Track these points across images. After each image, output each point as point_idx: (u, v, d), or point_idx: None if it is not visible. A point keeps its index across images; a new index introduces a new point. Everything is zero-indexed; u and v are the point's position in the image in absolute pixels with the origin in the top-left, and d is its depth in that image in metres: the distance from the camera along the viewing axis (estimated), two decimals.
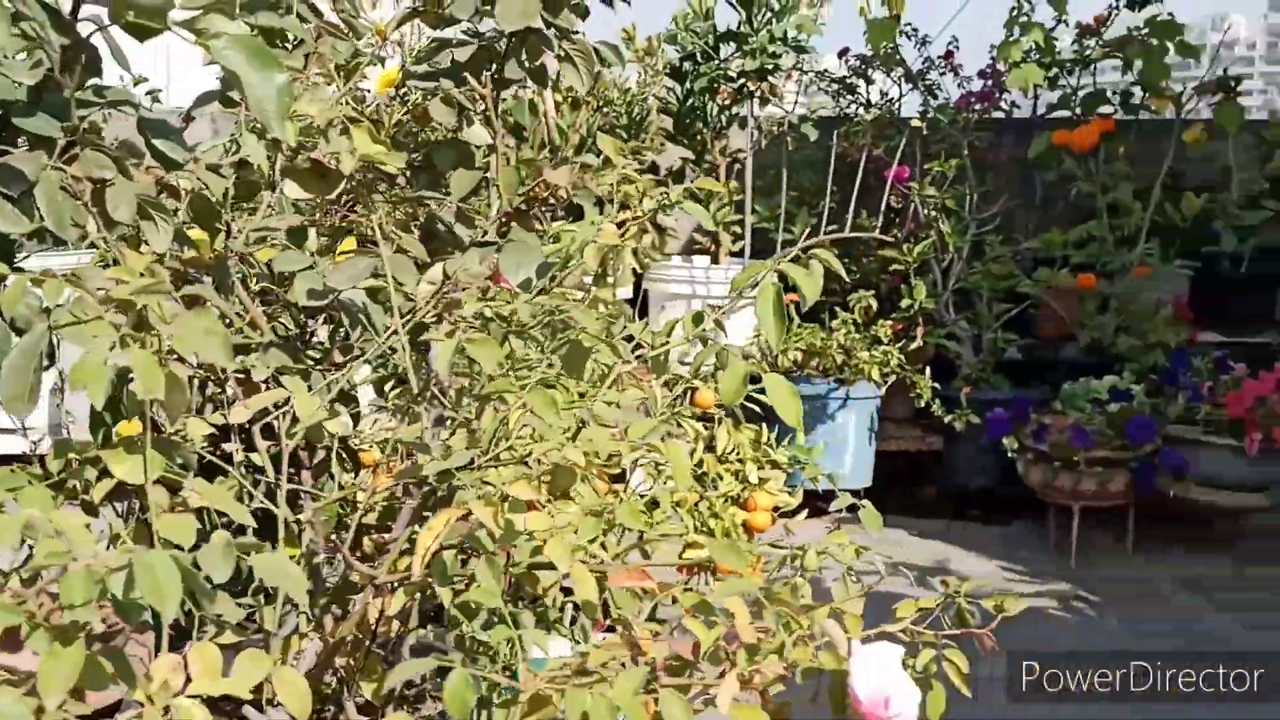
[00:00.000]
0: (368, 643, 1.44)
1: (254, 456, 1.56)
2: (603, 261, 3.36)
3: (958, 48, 5.01)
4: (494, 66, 2.00)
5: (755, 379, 1.57)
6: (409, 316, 1.50)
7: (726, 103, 4.44)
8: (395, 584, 1.33)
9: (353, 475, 2.26)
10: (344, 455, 1.97)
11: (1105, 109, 4.94)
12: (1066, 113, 4.99)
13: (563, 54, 2.04)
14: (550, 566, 1.29)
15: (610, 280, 4.04)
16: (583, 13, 2.95)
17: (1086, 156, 4.80)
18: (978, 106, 4.80)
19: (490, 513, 1.12)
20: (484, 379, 1.45)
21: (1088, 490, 4.00)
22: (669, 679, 0.96)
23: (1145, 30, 4.77)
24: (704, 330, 1.71)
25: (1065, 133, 4.80)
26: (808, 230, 4.72)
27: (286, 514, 1.42)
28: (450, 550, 1.24)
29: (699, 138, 4.55)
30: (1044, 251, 4.84)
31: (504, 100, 2.11)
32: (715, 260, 4.73)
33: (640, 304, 4.71)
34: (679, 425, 2.90)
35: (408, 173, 1.99)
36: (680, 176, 4.61)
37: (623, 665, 0.97)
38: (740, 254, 4.64)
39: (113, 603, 0.98)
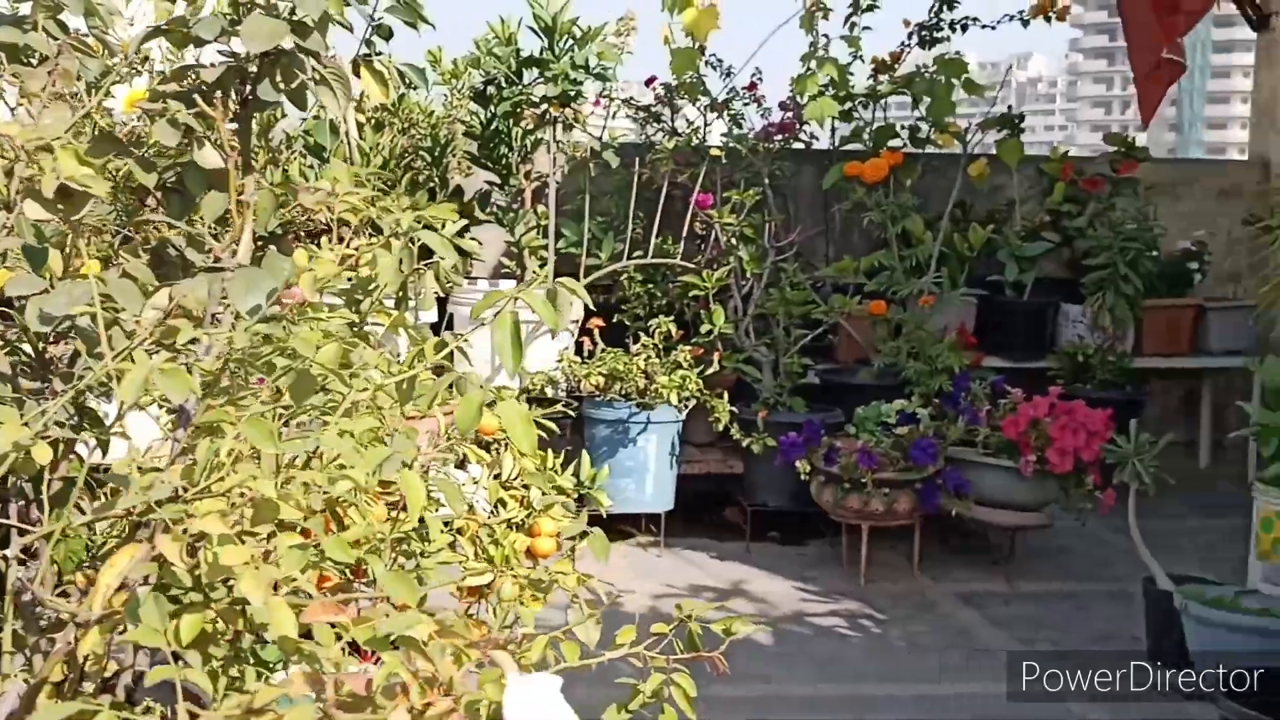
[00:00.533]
0: (79, 683, 1.38)
1: None
2: (403, 285, 3.31)
3: (761, 79, 5.13)
4: (246, 88, 1.95)
5: (551, 403, 1.57)
6: (128, 344, 1.44)
7: (530, 127, 4.45)
8: (93, 621, 1.28)
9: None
10: (93, 487, 1.88)
11: (895, 142, 5.13)
12: (860, 145, 5.17)
13: (317, 77, 2.00)
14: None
15: (412, 304, 3.99)
16: (386, 34, 2.91)
17: (877, 187, 4.97)
18: (778, 137, 4.93)
19: (176, 547, 1.09)
20: (202, 408, 1.41)
21: (876, 510, 4.12)
22: (343, 716, 0.94)
23: (933, 68, 4.98)
24: (444, 356, 1.70)
25: (857, 164, 4.97)
26: (614, 255, 4.76)
27: None
28: (149, 588, 1.20)
29: (504, 162, 4.55)
30: (840, 279, 4.98)
31: (306, 120, 2.06)
32: (520, 281, 4.72)
33: (446, 328, 4.66)
34: (458, 453, 2.88)
35: (158, 195, 1.94)
36: (486, 200, 4.60)
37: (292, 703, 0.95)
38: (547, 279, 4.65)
39: None
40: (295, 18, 1.85)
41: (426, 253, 4.06)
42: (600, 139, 4.74)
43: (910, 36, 5.21)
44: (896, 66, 5.19)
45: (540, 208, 4.68)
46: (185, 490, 1.27)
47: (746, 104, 5.05)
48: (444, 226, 1.71)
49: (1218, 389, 5.90)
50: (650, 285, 4.69)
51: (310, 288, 1.49)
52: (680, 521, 4.58)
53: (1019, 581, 4.27)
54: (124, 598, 1.33)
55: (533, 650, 1.45)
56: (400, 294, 3.52)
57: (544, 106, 4.32)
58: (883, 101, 5.15)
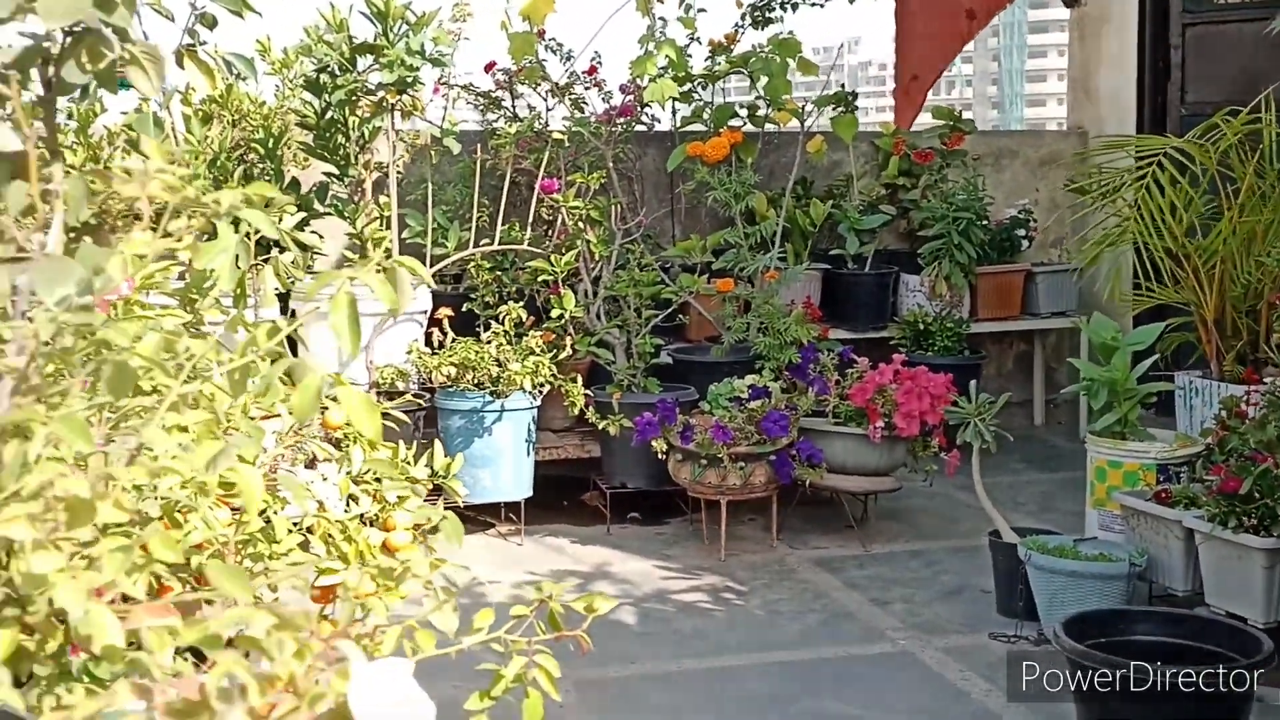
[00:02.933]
0: None
1: None
2: (240, 280, 3.16)
3: (601, 63, 5.10)
4: (49, 69, 1.83)
5: (401, 395, 1.50)
6: None
7: (367, 116, 4.33)
8: None
9: None
10: None
11: (735, 122, 5.17)
12: (701, 126, 5.19)
13: (127, 56, 1.89)
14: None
15: (251, 300, 3.84)
16: (211, 23, 2.77)
17: (719, 166, 5.00)
18: (620, 120, 4.91)
19: None
20: (12, 405, 1.31)
21: (733, 485, 4.15)
22: None
23: (769, 48, 5.03)
24: (277, 343, 1.63)
25: (699, 144, 4.99)
26: (461, 243, 4.68)
27: None
28: None
29: (342, 152, 4.42)
30: (688, 258, 5.00)
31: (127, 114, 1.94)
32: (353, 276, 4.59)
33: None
34: (304, 450, 2.78)
35: None
36: (325, 192, 4.46)
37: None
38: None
39: None
40: None
41: (266, 248, 3.93)
42: (440, 126, 4.65)
43: (744, 17, 5.25)
44: (732, 47, 5.22)
45: (382, 198, 4.57)
46: None
47: (587, 88, 5.02)
48: (280, 219, 1.63)
49: (1047, 349, 6.13)
50: (499, 273, 4.63)
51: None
52: (540, 509, 4.54)
53: (872, 544, 4.36)
54: None
55: (386, 641, 1.40)
56: (239, 291, 3.38)
57: (380, 94, 4.21)
58: (721, 82, 5.18)
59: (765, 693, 3.19)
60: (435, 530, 2.91)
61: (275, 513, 2.50)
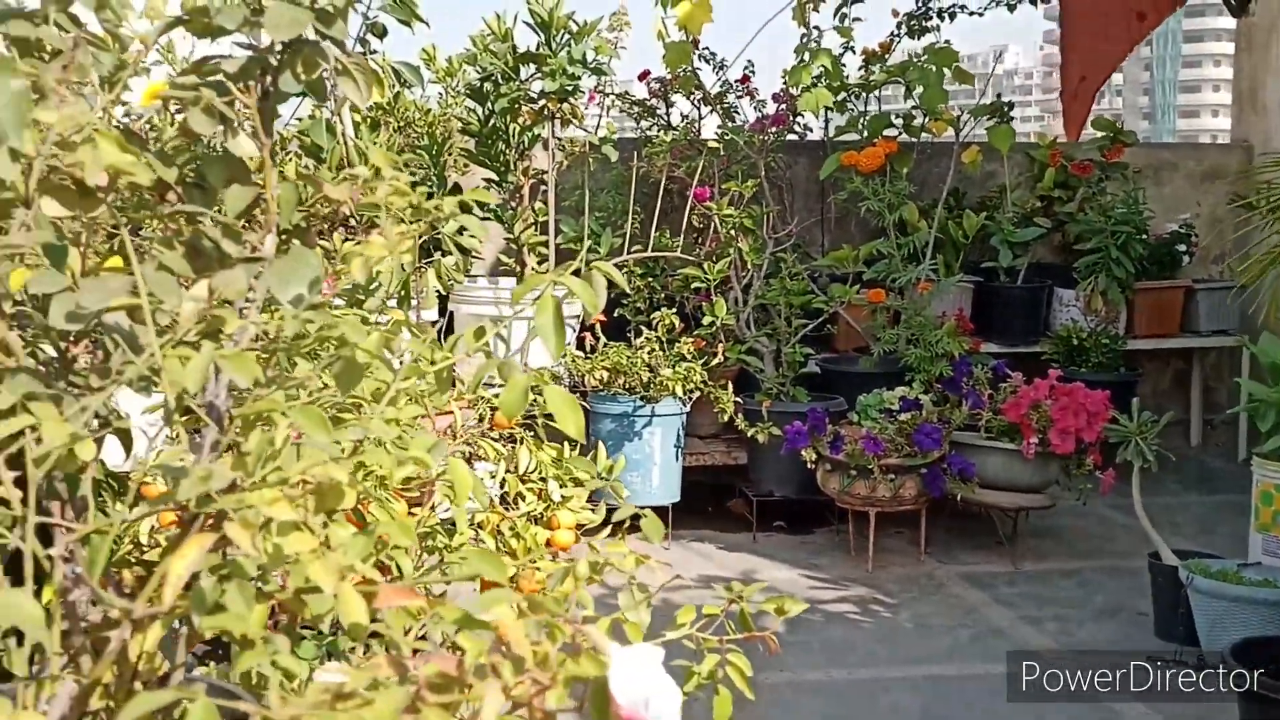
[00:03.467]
0: (130, 682, 1.36)
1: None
2: (405, 283, 3.29)
3: (754, 72, 5.14)
4: (267, 79, 1.94)
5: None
6: (170, 336, 1.43)
7: (528, 124, 4.44)
8: (150, 617, 1.26)
9: (130, 507, 2.14)
10: (114, 486, 1.87)
11: (890, 131, 5.15)
12: (855, 135, 5.18)
13: (340, 67, 1.99)
14: (317, 590, 1.25)
15: (414, 302, 3.99)
16: (380, 32, 2.89)
17: (873, 176, 4.98)
18: (772, 129, 4.93)
19: (247, 535, 1.08)
20: (251, 398, 1.40)
21: (882, 497, 4.13)
22: (434, 697, 0.93)
23: (924, 57, 4.99)
24: (485, 345, 1.70)
25: (853, 154, 4.98)
26: (613, 249, 4.76)
27: (36, 549, 1.33)
28: (214, 578, 1.19)
29: (502, 158, 4.53)
30: (838, 268, 4.99)
31: (302, 120, 2.06)
32: (520, 281, 4.71)
33: (447, 326, 4.65)
34: (479, 446, 2.87)
35: (179, 189, 1.91)
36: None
37: (386, 687, 0.94)
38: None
39: None
40: (318, 6, 1.84)
41: (425, 252, 4.05)
42: (598, 134, 4.73)
43: (899, 26, 5.22)
44: (887, 56, 5.20)
45: (538, 204, 4.67)
46: (241, 481, 1.26)
47: (740, 96, 5.05)
48: (447, 222, 1.69)
49: (1206, 368, 5.94)
50: (650, 279, 4.69)
51: (361, 270, 1.48)
52: (686, 514, 4.58)
53: (1023, 561, 4.29)
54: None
55: (565, 629, 1.44)
56: (403, 292, 3.50)
57: (542, 102, 4.31)
58: (876, 91, 5.16)
59: (916, 707, 3.18)
60: (602, 527, 2.98)
61: (455, 507, 2.59)
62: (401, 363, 1.57)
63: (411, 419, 1.57)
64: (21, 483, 1.44)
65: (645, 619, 1.55)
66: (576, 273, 1.72)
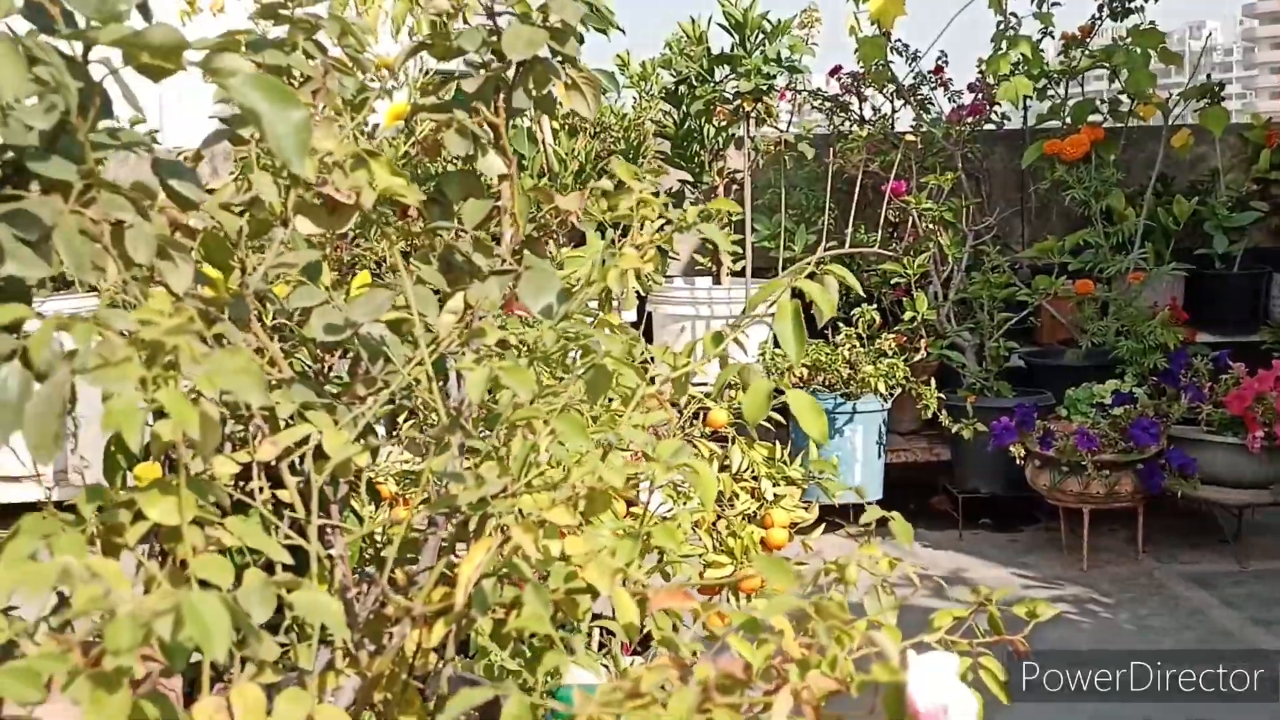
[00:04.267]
0: (405, 676, 1.44)
1: (279, 494, 1.56)
2: (606, 286, 3.33)
3: (947, 62, 5.04)
4: (501, 96, 2.01)
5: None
6: (433, 347, 1.50)
7: (723, 124, 4.46)
8: (432, 615, 1.33)
9: (372, 509, 2.25)
10: (362, 489, 1.97)
11: (1094, 117, 4.97)
12: (1056, 122, 5.02)
13: (569, 81, 2.05)
14: (586, 591, 1.29)
15: (615, 304, 4.05)
16: (578, 40, 2.94)
17: (1078, 164, 4.82)
18: (969, 120, 4.83)
19: (530, 538, 1.12)
20: (509, 406, 1.45)
21: (1097, 493, 4.00)
22: (721, 698, 0.95)
23: (1128, 39, 4.81)
24: (724, 350, 1.72)
25: (1056, 142, 4.83)
26: (808, 247, 4.74)
27: (319, 550, 1.42)
28: (488, 579, 1.24)
29: (696, 159, 4.57)
30: (1041, 259, 4.86)
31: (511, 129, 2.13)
32: (717, 280, 4.74)
33: (645, 326, 4.72)
34: (693, 446, 2.90)
35: (418, 205, 2.00)
36: (679, 199, 4.63)
37: (673, 687, 0.97)
38: (740, 274, 4.65)
39: (159, 646, 0.98)
40: (550, 24, 1.89)
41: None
42: (791, 131, 4.72)
43: (1101, 9, 5.04)
44: (1087, 40, 5.02)
45: (732, 203, 4.69)
46: (510, 485, 1.31)
47: (933, 88, 4.97)
48: (642, 226, 1.72)
49: None
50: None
51: (617, 281, 1.52)
52: (887, 511, 4.52)
53: (1250, 561, 4.09)
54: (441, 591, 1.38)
55: (852, 635, 1.45)
56: (605, 294, 3.56)
57: (737, 102, 4.33)
58: (1078, 77, 5.00)
59: (1142, 710, 3.07)
60: (815, 526, 2.99)
61: (681, 505, 2.63)
62: (645, 368, 1.61)
63: (656, 423, 1.60)
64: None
65: (891, 621, 1.55)
66: (812, 275, 1.73)
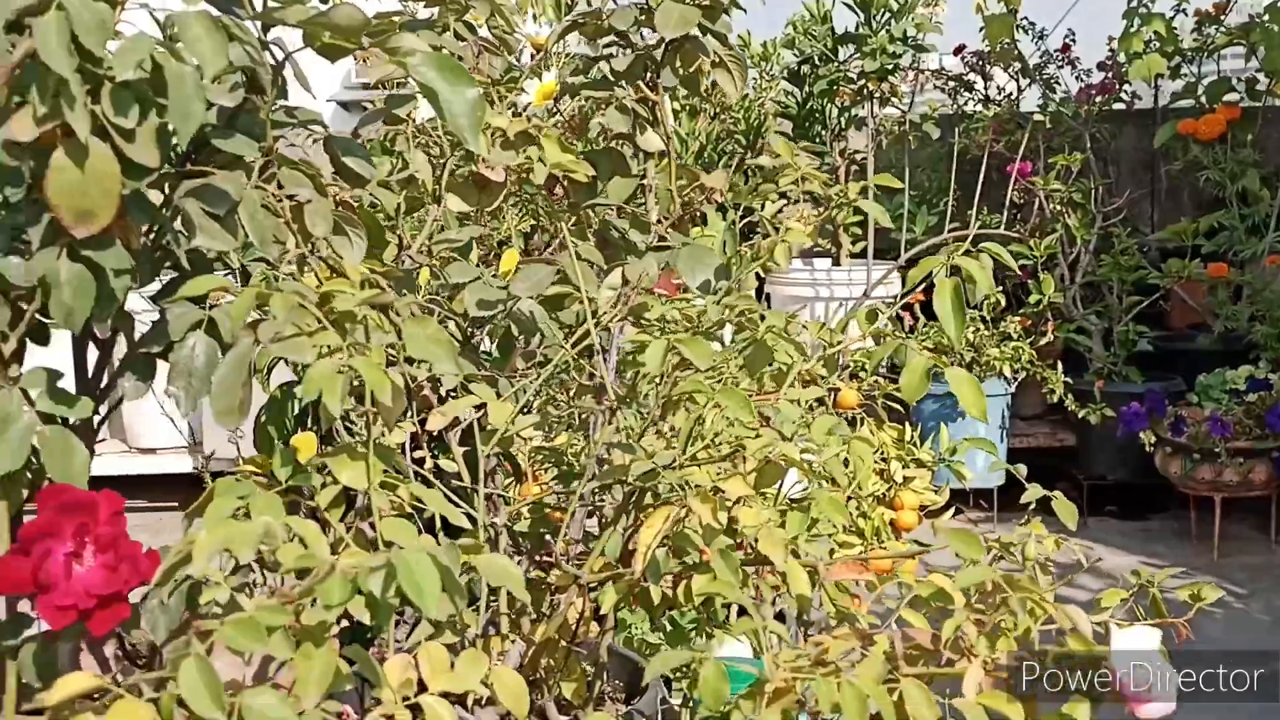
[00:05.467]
0: (566, 643, 1.47)
1: (441, 464, 1.61)
2: (728, 266, 3.34)
3: (1074, 40, 4.93)
4: (649, 74, 2.03)
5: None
6: (596, 320, 1.52)
7: (846, 104, 4.43)
8: (598, 583, 1.36)
9: (513, 480, 2.29)
10: (506, 461, 2.01)
11: (1231, 96, 4.82)
12: (1190, 102, 4.88)
13: (717, 59, 2.06)
14: (753, 561, 1.31)
15: (737, 284, 4.03)
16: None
17: (1212, 145, 4.68)
18: (1098, 99, 4.72)
19: (709, 508, 1.14)
20: (668, 381, 1.47)
21: (1230, 481, 3.91)
22: (910, 669, 0.96)
23: (1266, 16, 4.65)
24: (878, 327, 1.72)
25: (1191, 122, 4.69)
26: (929, 229, 4.68)
27: (486, 519, 1.46)
28: (661, 549, 1.27)
29: (818, 140, 4.54)
30: (1170, 242, 4.73)
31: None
32: (836, 262, 4.71)
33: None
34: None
35: (565, 182, 2.03)
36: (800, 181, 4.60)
37: (859, 657, 0.98)
38: (860, 255, 4.62)
39: (367, 602, 1.02)
40: (703, 2, 1.90)
41: (744, 235, 4.09)
42: (913, 112, 4.66)
43: None
44: (1222, 17, 4.87)
45: (852, 184, 4.65)
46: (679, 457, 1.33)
47: (1060, 67, 4.86)
48: (763, 206, 1.72)
49: None
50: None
51: (784, 255, 1.54)
52: (1010, 497, 4.46)
53: None
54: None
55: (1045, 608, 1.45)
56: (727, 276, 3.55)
57: (861, 82, 4.29)
58: (1213, 55, 4.85)
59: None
60: (944, 509, 2.97)
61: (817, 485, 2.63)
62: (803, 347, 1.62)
63: (812, 400, 1.61)
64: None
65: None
66: (968, 253, 1.72)
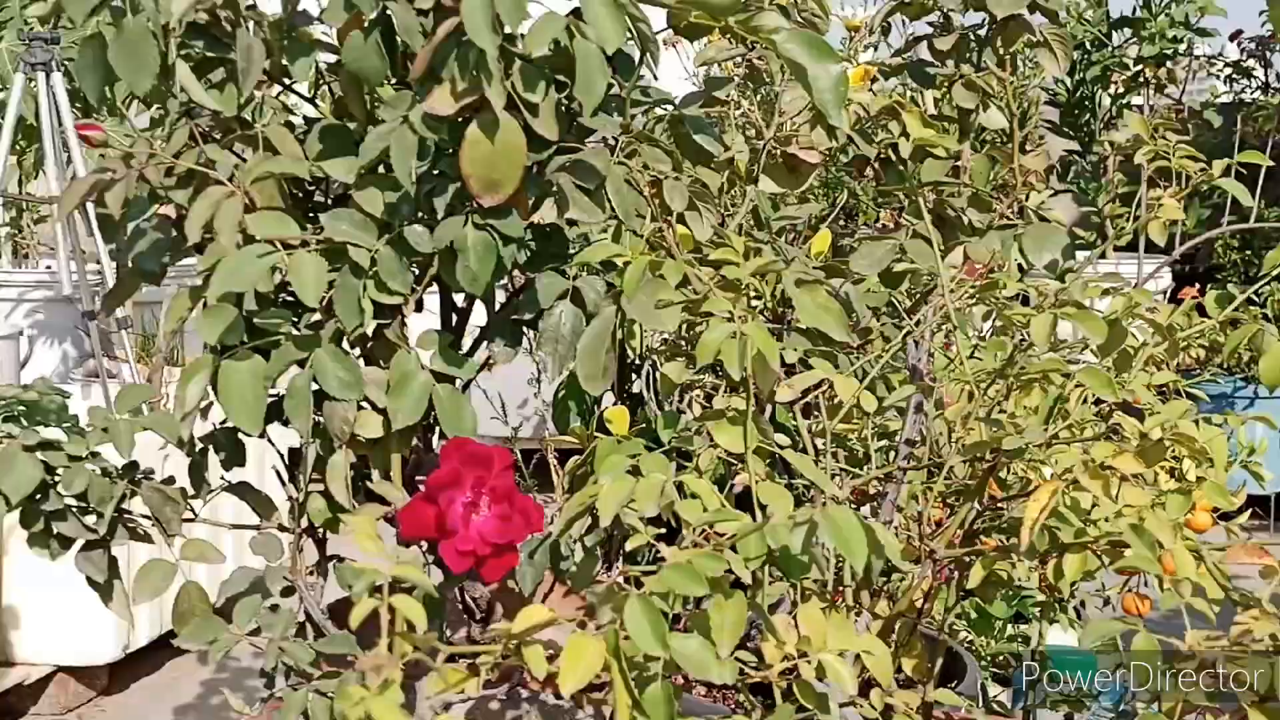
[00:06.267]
0: (918, 619, 1.47)
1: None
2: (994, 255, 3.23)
3: None
4: (971, 54, 2.01)
5: None
6: (952, 298, 1.52)
7: (1120, 91, 4.27)
8: (957, 559, 1.36)
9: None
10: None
11: None
12: None
13: (1040, 39, 2.02)
14: (1123, 544, 1.28)
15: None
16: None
17: None
18: None
19: (1100, 484, 1.13)
20: (1017, 361, 1.46)
21: None
22: None
23: None
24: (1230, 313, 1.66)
25: None
26: (1201, 221, 4.47)
27: (834, 491, 1.47)
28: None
29: (1085, 129, 4.39)
30: None
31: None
32: (1101, 255, 4.55)
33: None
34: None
35: (875, 165, 2.03)
36: (1066, 169, 4.47)
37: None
38: (1127, 248, 4.44)
39: (781, 558, 1.05)
40: None
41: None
42: (1181, 99, 4.46)
43: None
44: None
45: (1119, 175, 4.48)
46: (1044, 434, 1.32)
47: None
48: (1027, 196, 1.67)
49: None
50: (1247, 252, 4.36)
51: (1160, 233, 1.51)
52: None
53: None
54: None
55: None
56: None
57: (1137, 68, 4.13)
58: None
59: None
60: (1239, 512, 2.83)
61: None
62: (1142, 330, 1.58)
63: (1163, 384, 1.57)
64: None
65: None
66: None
